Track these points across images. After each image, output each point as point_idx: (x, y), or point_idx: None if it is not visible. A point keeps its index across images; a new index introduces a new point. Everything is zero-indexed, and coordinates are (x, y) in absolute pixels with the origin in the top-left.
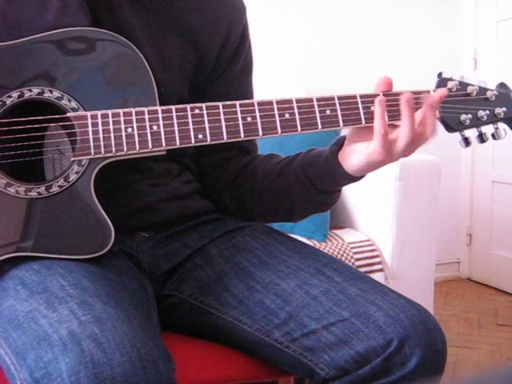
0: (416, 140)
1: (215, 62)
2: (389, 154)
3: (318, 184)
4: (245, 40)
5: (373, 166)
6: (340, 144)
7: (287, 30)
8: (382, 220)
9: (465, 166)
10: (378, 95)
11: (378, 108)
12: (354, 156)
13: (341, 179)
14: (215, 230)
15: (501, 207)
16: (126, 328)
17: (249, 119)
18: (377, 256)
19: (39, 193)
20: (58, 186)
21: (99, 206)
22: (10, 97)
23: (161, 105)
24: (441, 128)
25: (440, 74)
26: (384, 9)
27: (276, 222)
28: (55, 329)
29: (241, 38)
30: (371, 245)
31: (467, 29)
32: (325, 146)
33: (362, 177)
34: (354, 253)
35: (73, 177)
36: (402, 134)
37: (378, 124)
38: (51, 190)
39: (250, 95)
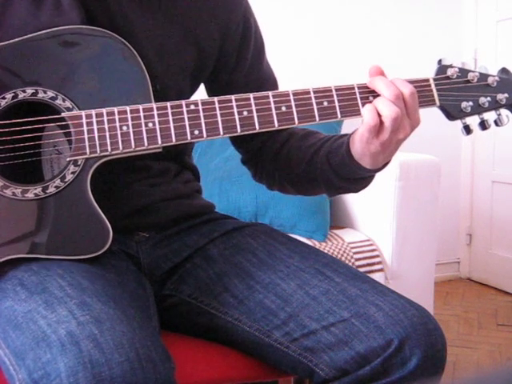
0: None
1: (219, 53)
2: (379, 136)
3: (340, 172)
4: (249, 25)
5: (368, 152)
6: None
7: (287, 29)
8: (382, 220)
9: (465, 165)
10: None
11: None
12: (353, 143)
13: (355, 168)
14: (215, 230)
15: (501, 207)
16: (124, 328)
17: (245, 113)
18: (377, 256)
19: (36, 194)
20: (55, 187)
21: (96, 205)
22: (3, 98)
23: (160, 100)
24: (439, 128)
25: (440, 61)
26: (384, 9)
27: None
28: (54, 329)
29: (243, 24)
30: (371, 245)
31: (467, 29)
32: None
33: (375, 169)
34: (354, 253)
35: (69, 177)
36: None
37: (365, 113)
38: (48, 191)
39: (271, 75)
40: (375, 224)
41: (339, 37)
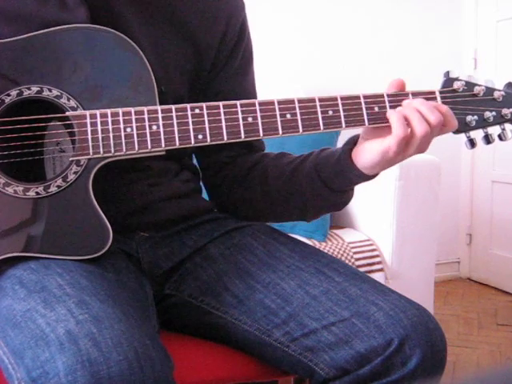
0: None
1: (214, 58)
2: (404, 152)
3: (331, 183)
4: (243, 35)
5: (386, 163)
6: (353, 143)
7: (287, 30)
8: (381, 220)
9: (465, 165)
10: (382, 95)
11: (393, 115)
12: (367, 154)
13: (354, 178)
14: (215, 230)
15: (501, 207)
16: (123, 327)
17: (250, 119)
18: (377, 256)
19: (37, 193)
20: (57, 186)
21: (97, 206)
22: (8, 95)
23: (159, 104)
24: None
25: (447, 74)
26: (384, 9)
27: (288, 222)
28: (52, 328)
29: (239, 33)
30: (371, 245)
31: (467, 29)
32: (325, 144)
33: (374, 175)
34: (354, 253)
35: (71, 177)
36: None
37: (396, 126)
38: (49, 190)
39: (251, 89)
40: (375, 224)
41: (339, 33)
